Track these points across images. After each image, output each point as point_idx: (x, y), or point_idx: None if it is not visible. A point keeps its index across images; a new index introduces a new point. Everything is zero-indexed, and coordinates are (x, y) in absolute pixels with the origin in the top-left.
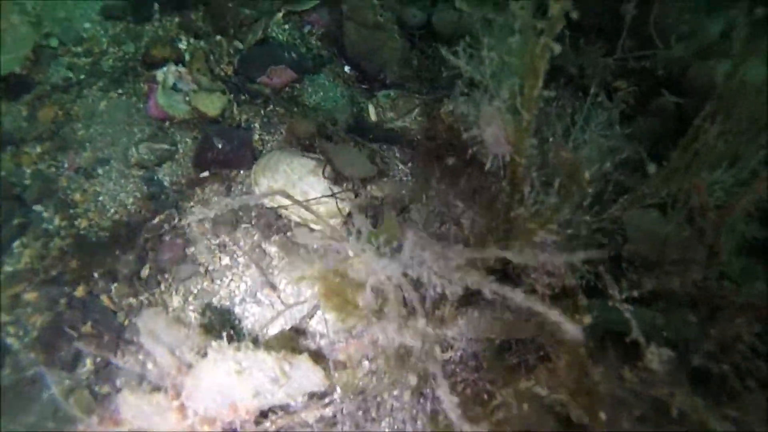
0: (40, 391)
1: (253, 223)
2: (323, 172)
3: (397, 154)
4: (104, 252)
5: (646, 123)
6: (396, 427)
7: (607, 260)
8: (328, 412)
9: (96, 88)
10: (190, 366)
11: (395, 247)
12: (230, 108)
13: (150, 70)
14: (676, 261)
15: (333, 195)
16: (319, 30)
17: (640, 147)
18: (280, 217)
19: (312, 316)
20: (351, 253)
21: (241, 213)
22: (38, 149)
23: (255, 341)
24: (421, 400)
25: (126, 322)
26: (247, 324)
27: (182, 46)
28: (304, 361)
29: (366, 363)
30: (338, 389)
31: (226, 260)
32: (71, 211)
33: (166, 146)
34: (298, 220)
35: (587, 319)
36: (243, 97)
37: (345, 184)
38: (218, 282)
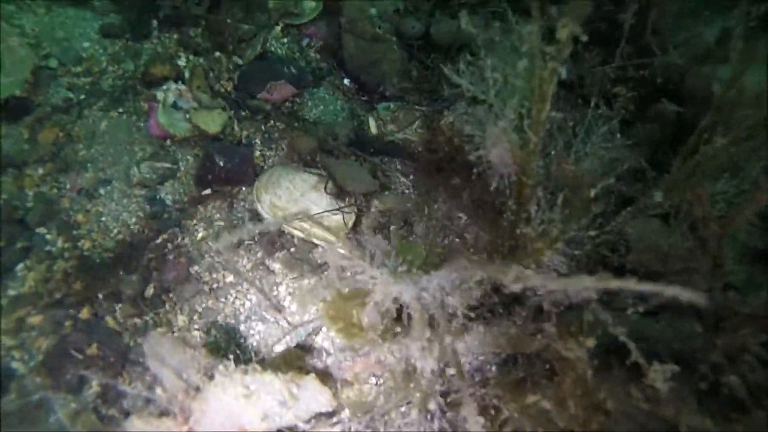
0: (46, 415)
1: (255, 239)
2: (325, 188)
3: (399, 167)
4: (108, 273)
5: (645, 129)
6: None
7: (611, 272)
8: (336, 431)
9: (96, 108)
10: (197, 389)
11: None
12: (231, 125)
13: (150, 88)
14: (680, 271)
15: (338, 210)
16: (318, 43)
17: (640, 156)
18: (282, 233)
19: (318, 333)
20: (368, 275)
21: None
22: (40, 171)
23: (262, 361)
24: (429, 417)
25: (131, 343)
26: (253, 342)
27: (181, 63)
28: (311, 382)
29: (373, 381)
30: (346, 409)
31: (230, 278)
32: (74, 232)
33: (167, 165)
34: (301, 235)
35: (591, 342)
36: (243, 114)
37: (347, 199)
38: (223, 300)
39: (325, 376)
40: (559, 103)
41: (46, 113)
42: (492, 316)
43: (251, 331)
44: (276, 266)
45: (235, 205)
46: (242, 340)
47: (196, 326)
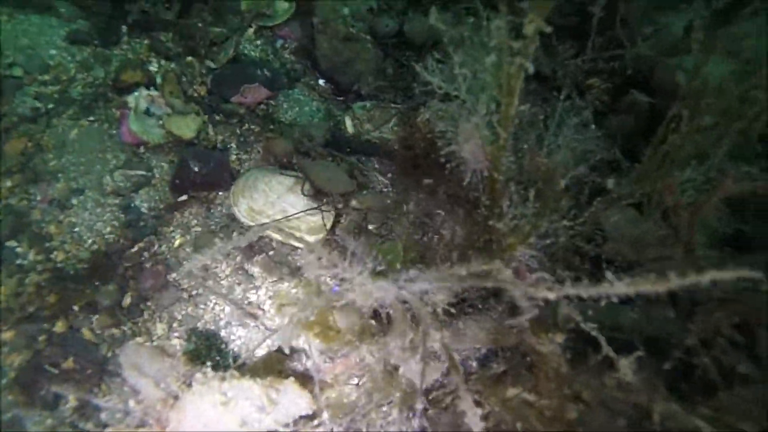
0: None
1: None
2: (302, 190)
3: (376, 166)
4: (83, 284)
5: (618, 120)
6: None
7: (588, 261)
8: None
9: (66, 117)
10: (176, 397)
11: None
12: (205, 129)
13: (121, 95)
14: (655, 259)
15: (315, 208)
16: (292, 44)
17: (614, 147)
18: (261, 236)
19: (298, 336)
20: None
21: (222, 235)
22: (8, 183)
23: (241, 366)
24: (409, 416)
25: (109, 354)
26: (234, 347)
27: (153, 68)
28: (290, 386)
29: (353, 382)
30: (325, 411)
31: (209, 283)
32: (47, 244)
33: (141, 172)
34: (280, 238)
35: (560, 338)
36: (218, 118)
37: (325, 200)
38: (202, 306)
39: (305, 379)
40: (532, 97)
41: (13, 123)
42: (472, 311)
43: (232, 337)
44: (255, 270)
45: (212, 210)
46: (223, 346)
47: (175, 334)
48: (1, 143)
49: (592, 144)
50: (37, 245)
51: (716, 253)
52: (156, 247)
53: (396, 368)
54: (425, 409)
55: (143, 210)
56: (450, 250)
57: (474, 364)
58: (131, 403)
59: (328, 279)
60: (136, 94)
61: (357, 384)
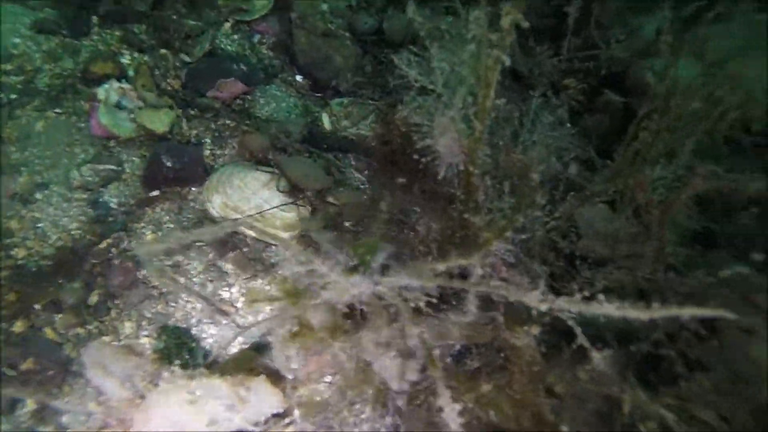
0: None
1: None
2: (277, 186)
3: (353, 163)
4: (46, 282)
5: (593, 120)
6: None
7: (562, 258)
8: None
9: (30, 108)
10: (143, 397)
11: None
12: (179, 124)
13: (91, 87)
14: (627, 256)
15: (291, 203)
16: (270, 39)
17: (588, 145)
18: (234, 232)
19: (271, 333)
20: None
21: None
22: None
23: (212, 365)
24: (382, 414)
25: (73, 354)
26: (206, 345)
27: (125, 61)
28: (261, 384)
29: (326, 379)
30: (296, 409)
31: (181, 281)
32: (7, 240)
33: (111, 166)
34: (254, 234)
35: (535, 330)
36: (192, 112)
37: (301, 197)
38: (173, 304)
39: (277, 376)
40: (509, 93)
41: None
42: (446, 307)
43: (204, 335)
44: (228, 267)
45: (185, 207)
46: (194, 345)
47: (144, 333)
48: None
49: (567, 141)
50: None
51: (686, 251)
52: (125, 243)
53: (369, 365)
54: (399, 407)
55: (112, 205)
56: (427, 246)
57: (449, 360)
58: (92, 404)
59: (303, 277)
60: (106, 86)
61: (329, 382)
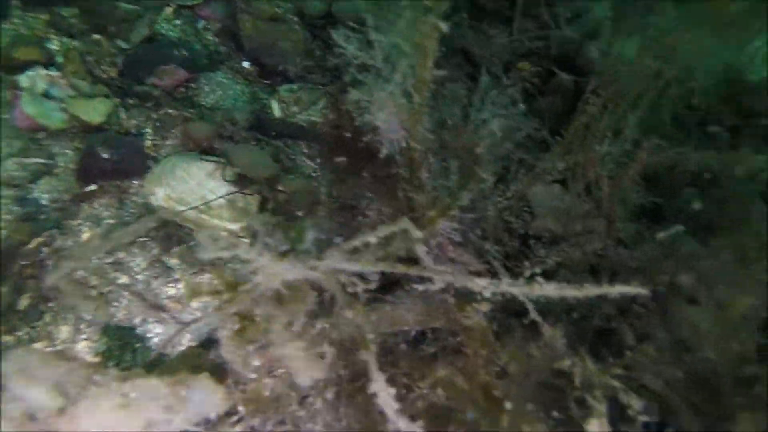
0: None
1: (151, 236)
2: (223, 175)
3: (305, 150)
4: None
5: (546, 101)
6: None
7: (516, 238)
8: (238, 430)
9: None
10: (75, 405)
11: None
12: (117, 114)
13: (13, 74)
14: (580, 233)
15: (236, 192)
16: (215, 25)
17: (542, 124)
18: (180, 226)
19: (218, 328)
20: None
21: (147, 216)
22: None
23: (153, 364)
24: (335, 405)
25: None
26: (151, 345)
27: (53, 46)
28: (203, 381)
29: (273, 373)
30: (241, 406)
31: (123, 279)
32: None
33: (41, 160)
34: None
35: (485, 307)
36: (131, 101)
37: (250, 186)
38: (115, 304)
39: (223, 373)
40: (459, 73)
41: None
42: (399, 293)
43: (149, 334)
44: (173, 262)
45: (126, 201)
46: (139, 345)
47: (83, 336)
48: None
49: (518, 121)
50: None
51: (635, 226)
52: (59, 241)
53: (321, 355)
54: (350, 397)
55: (43, 202)
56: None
57: (403, 346)
58: (12, 413)
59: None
60: (30, 73)
61: (276, 376)
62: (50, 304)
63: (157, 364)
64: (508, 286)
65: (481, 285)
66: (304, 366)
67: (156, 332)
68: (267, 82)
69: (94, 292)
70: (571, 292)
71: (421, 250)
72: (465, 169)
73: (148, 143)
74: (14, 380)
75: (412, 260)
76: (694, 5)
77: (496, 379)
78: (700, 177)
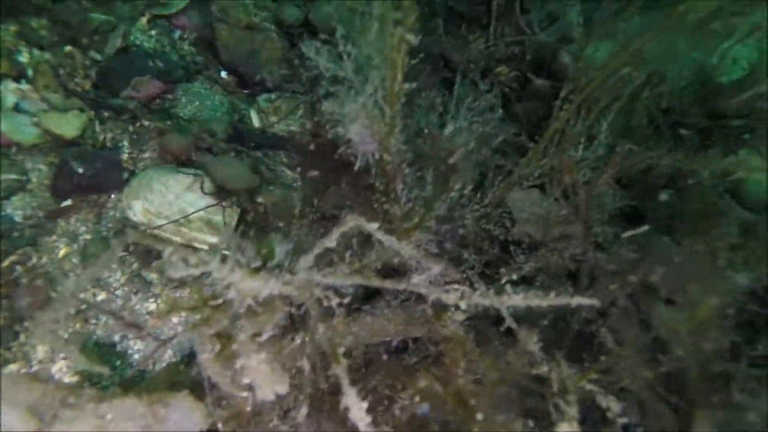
0: None
1: (130, 250)
2: (202, 188)
3: (284, 160)
4: None
5: (524, 107)
6: None
7: (496, 245)
8: None
9: None
10: (50, 427)
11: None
12: (91, 127)
13: None
14: (558, 238)
15: (217, 204)
16: (191, 35)
17: (520, 130)
18: (159, 240)
19: (196, 344)
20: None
21: (114, 241)
22: None
23: (134, 381)
24: (315, 419)
25: None
26: (131, 362)
27: (23, 59)
28: (182, 399)
29: (251, 389)
30: (221, 424)
31: (102, 295)
32: None
33: (13, 176)
34: (180, 241)
35: (460, 316)
36: (106, 114)
37: (228, 198)
38: (94, 321)
39: (203, 390)
40: (434, 78)
41: None
42: (380, 304)
43: (129, 351)
44: (153, 276)
45: (103, 215)
46: (119, 363)
47: (61, 355)
48: None
49: (495, 127)
50: None
51: (612, 230)
52: (34, 259)
53: (300, 370)
54: (330, 410)
55: (17, 219)
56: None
57: (384, 357)
58: None
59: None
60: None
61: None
62: (25, 324)
63: (138, 382)
64: (478, 297)
65: (453, 298)
66: (268, 380)
67: (137, 349)
68: (245, 91)
69: (72, 310)
70: (536, 301)
71: (377, 232)
72: (441, 178)
73: (125, 156)
74: None
75: (390, 271)
76: (664, 8)
77: (474, 387)
78: (674, 180)
